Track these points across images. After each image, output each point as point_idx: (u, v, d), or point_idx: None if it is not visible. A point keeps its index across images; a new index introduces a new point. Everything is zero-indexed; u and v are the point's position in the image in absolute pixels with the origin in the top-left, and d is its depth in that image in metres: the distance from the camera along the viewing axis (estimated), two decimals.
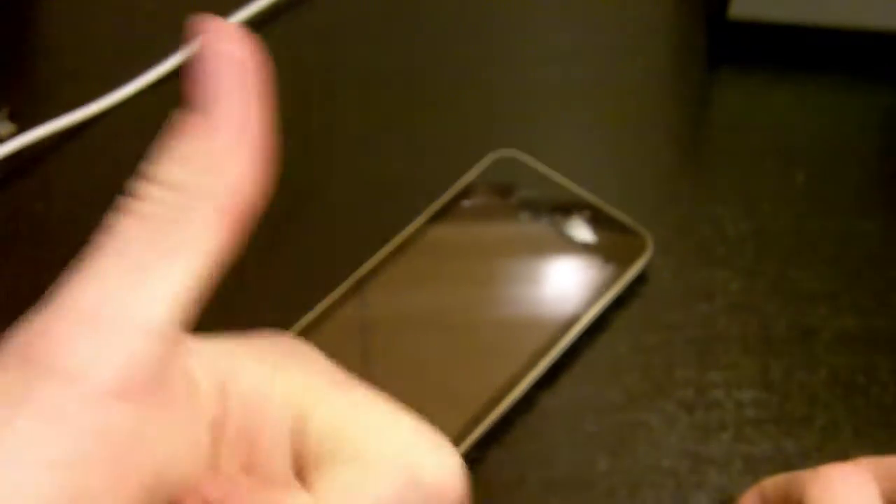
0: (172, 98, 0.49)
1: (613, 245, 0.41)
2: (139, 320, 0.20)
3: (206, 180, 0.21)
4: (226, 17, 0.50)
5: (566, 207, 0.43)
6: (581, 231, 0.42)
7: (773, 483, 0.32)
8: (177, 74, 0.49)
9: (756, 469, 0.37)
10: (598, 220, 0.42)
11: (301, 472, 0.24)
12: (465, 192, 0.43)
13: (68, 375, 0.19)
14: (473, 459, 0.37)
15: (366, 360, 0.34)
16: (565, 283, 0.40)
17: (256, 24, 0.51)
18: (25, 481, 0.19)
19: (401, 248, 0.41)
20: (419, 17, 0.52)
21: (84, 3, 0.53)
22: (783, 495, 0.30)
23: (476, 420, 0.37)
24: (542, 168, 0.44)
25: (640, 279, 0.41)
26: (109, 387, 0.20)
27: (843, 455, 0.33)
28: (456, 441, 0.36)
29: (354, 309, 0.38)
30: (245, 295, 0.39)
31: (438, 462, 0.24)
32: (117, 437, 0.20)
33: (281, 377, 0.24)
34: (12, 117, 0.48)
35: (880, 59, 0.49)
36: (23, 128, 0.46)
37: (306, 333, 0.39)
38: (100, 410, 0.20)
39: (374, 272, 0.40)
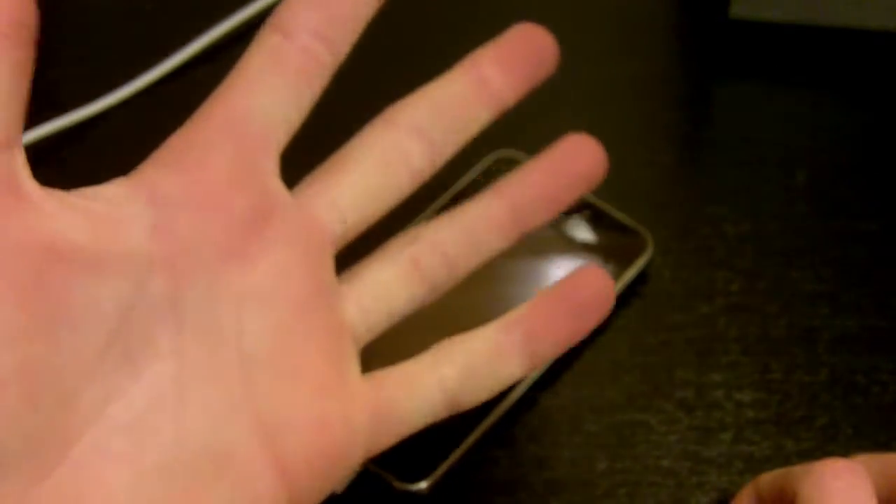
0: (173, 98, 0.49)
1: (613, 245, 0.41)
2: None
3: None
4: (225, 18, 0.50)
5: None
6: (581, 231, 0.42)
7: (768, 479, 0.32)
8: (177, 74, 0.49)
9: (756, 470, 0.37)
10: (598, 220, 0.42)
11: None
12: (465, 192, 0.43)
13: None
14: (473, 459, 0.37)
15: (364, 359, 0.34)
16: None
17: (256, 25, 0.51)
18: None
19: None
20: (419, 16, 0.52)
21: (84, 3, 0.53)
22: (778, 491, 0.30)
23: (476, 420, 0.37)
24: None
25: (640, 279, 0.41)
26: None
27: (843, 456, 0.33)
28: (456, 441, 0.36)
29: None
30: None
31: None
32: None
33: None
34: None
35: (882, 59, 0.49)
36: (23, 128, 0.46)
37: None
38: None
39: None
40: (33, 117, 0.46)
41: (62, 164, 0.46)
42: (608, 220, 0.42)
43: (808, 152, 0.46)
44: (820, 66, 0.49)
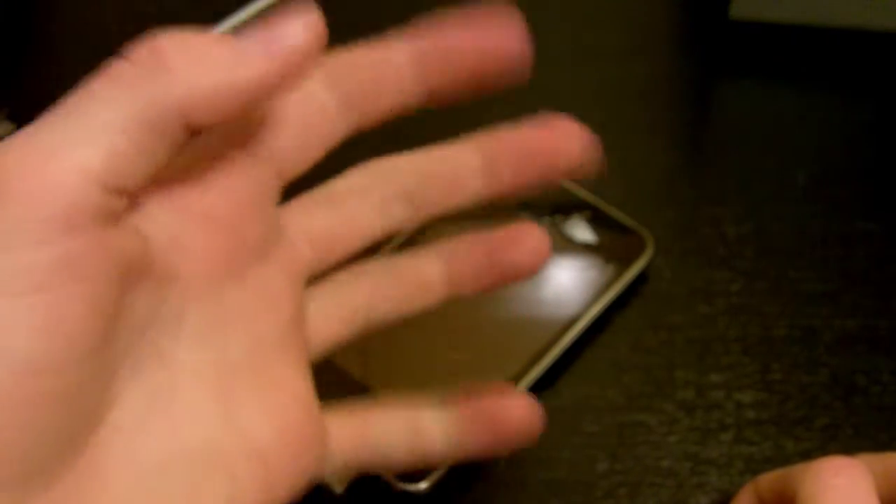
0: None
1: (613, 245, 0.41)
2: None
3: None
4: (225, 18, 0.50)
5: (566, 207, 0.43)
6: (581, 231, 0.42)
7: (767, 479, 0.32)
8: None
9: (756, 470, 0.37)
10: (598, 220, 0.42)
11: None
12: None
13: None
14: (473, 459, 0.37)
15: (365, 360, 0.34)
16: (565, 283, 0.40)
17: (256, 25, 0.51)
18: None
19: (401, 249, 0.41)
20: (421, 18, 0.52)
21: (84, 3, 0.53)
22: (778, 491, 0.30)
23: None
24: None
25: (640, 279, 0.41)
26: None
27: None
28: None
29: None
30: None
31: None
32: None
33: None
34: (12, 117, 0.48)
35: (882, 59, 0.49)
36: (23, 128, 0.46)
37: None
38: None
39: None
40: (33, 117, 0.46)
41: None
42: (608, 220, 0.42)
43: (808, 152, 0.46)
44: (820, 66, 0.49)
